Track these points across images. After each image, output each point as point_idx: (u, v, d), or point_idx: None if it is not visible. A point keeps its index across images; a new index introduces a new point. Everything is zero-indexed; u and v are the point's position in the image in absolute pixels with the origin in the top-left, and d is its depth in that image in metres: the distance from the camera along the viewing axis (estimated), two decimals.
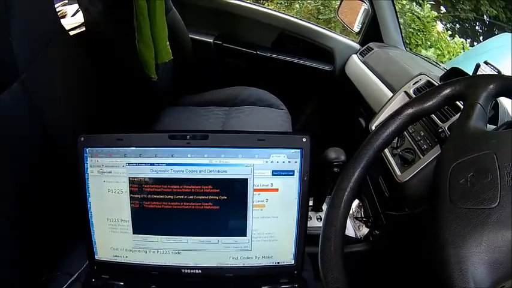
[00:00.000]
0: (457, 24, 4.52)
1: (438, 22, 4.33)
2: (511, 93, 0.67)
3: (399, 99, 1.12)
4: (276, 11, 2.07)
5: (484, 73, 0.95)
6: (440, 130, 0.88)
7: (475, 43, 4.21)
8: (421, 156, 0.90)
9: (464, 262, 0.42)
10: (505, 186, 0.45)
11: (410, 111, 0.64)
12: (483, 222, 0.44)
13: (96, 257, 0.78)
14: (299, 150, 0.71)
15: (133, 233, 0.75)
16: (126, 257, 0.77)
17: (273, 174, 0.71)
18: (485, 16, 4.25)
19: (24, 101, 0.81)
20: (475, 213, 0.45)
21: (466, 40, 4.19)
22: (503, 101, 0.91)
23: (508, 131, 0.55)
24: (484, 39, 4.04)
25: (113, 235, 0.76)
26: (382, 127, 0.64)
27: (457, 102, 0.84)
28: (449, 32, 4.24)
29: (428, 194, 0.57)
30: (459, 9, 4.35)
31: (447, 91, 0.63)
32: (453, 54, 3.89)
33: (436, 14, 4.18)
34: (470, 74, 1.01)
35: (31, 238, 0.84)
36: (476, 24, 4.49)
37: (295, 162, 0.71)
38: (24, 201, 0.80)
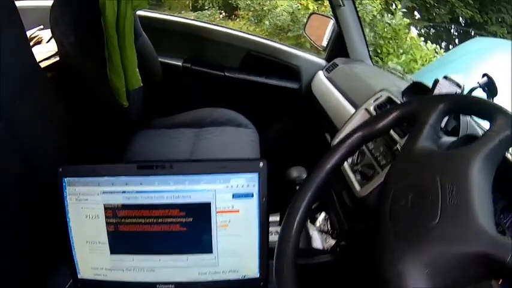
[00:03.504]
0: (432, 29, 4.56)
1: (412, 28, 4.37)
2: (462, 111, 0.71)
3: (360, 116, 1.15)
4: (242, 32, 2.12)
5: (442, 89, 0.97)
6: (395, 148, 0.94)
7: (451, 46, 4.25)
8: (380, 172, 0.94)
9: (403, 276, 0.45)
10: (446, 205, 0.47)
11: (360, 133, 0.67)
12: (422, 238, 0.46)
13: (79, 276, 0.83)
14: (256, 174, 0.77)
15: (111, 253, 0.81)
16: (106, 275, 0.82)
17: (233, 197, 0.77)
18: (460, 18, 4.28)
19: (7, 139, 0.87)
20: (414, 230, 0.48)
21: (441, 44, 4.21)
22: None
23: (454, 152, 0.59)
24: (460, 42, 4.08)
25: (92, 256, 0.82)
26: (334, 149, 0.68)
27: None
28: (422, 38, 4.27)
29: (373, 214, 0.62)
30: (434, 14, 4.38)
31: (397, 113, 0.66)
32: (426, 60, 3.94)
33: (408, 21, 4.21)
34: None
35: (17, 261, 0.89)
36: (451, 27, 4.53)
37: (253, 185, 0.77)
38: (9, 229, 0.86)
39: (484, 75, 0.95)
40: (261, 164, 0.77)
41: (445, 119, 0.87)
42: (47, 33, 1.67)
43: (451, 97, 0.67)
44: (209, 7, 5.61)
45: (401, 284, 0.45)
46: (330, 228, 1.20)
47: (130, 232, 0.79)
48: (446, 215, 0.47)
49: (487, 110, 0.59)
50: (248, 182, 0.77)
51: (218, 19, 5.44)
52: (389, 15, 4.20)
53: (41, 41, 1.65)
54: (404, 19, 4.17)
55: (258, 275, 0.83)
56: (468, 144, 0.55)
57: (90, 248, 0.81)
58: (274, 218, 0.99)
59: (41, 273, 0.96)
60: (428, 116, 0.61)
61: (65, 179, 0.79)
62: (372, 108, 1.14)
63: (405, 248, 0.47)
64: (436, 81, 1.01)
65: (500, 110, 0.56)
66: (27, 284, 0.93)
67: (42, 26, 1.73)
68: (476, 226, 0.45)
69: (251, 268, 0.83)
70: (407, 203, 0.52)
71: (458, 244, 0.45)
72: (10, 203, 0.87)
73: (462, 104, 0.64)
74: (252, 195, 0.78)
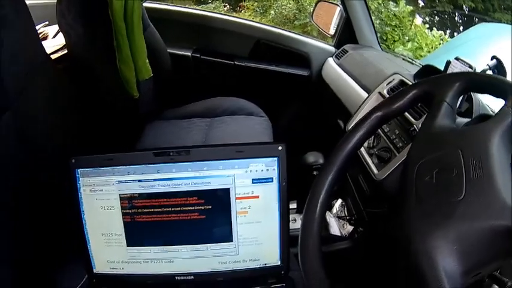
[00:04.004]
0: (436, 17, 4.57)
1: (417, 16, 4.39)
2: (477, 89, 0.70)
3: (373, 100, 1.15)
4: (250, 20, 2.12)
5: (455, 69, 0.98)
6: (412, 129, 0.93)
7: (455, 33, 4.26)
8: (397, 154, 0.94)
9: (432, 253, 0.45)
10: (470, 180, 0.48)
11: (379, 113, 0.67)
12: (449, 214, 0.46)
13: (94, 270, 0.82)
14: (276, 158, 0.75)
15: (128, 246, 0.79)
16: (123, 268, 0.81)
17: (253, 182, 0.76)
18: (464, 6, 4.29)
19: (15, 130, 0.86)
20: (440, 207, 0.48)
21: (445, 31, 4.23)
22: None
23: (473, 127, 0.58)
24: (464, 29, 4.09)
25: (108, 249, 0.80)
26: (353, 131, 0.67)
27: None
28: (427, 25, 4.28)
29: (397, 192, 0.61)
30: (437, 1, 4.39)
31: (414, 92, 0.66)
32: (432, 47, 3.93)
33: (411, 8, 4.22)
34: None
35: (30, 257, 0.88)
36: (455, 15, 4.54)
37: (273, 169, 0.76)
38: (21, 223, 0.84)
39: (493, 57, 0.96)
40: (280, 148, 0.76)
41: (460, 98, 0.87)
42: (52, 29, 1.68)
43: (467, 75, 0.66)
44: (212, 0, 5.60)
45: (430, 262, 0.45)
46: (346, 215, 1.19)
47: (148, 222, 0.77)
48: (470, 190, 0.47)
49: (501, 87, 0.59)
50: (267, 166, 0.76)
51: (223, 11, 5.43)
52: (392, 2, 4.21)
53: (47, 36, 1.65)
54: (408, 6, 4.18)
55: (279, 263, 0.82)
56: (484, 121, 0.55)
57: (105, 241, 0.80)
58: (292, 205, 0.97)
59: (55, 269, 0.94)
60: (446, 94, 0.61)
61: (78, 170, 0.77)
62: (385, 92, 1.14)
63: (433, 226, 0.47)
64: (448, 63, 1.01)
65: None
66: (41, 281, 0.91)
67: (47, 22, 1.73)
68: (500, 201, 0.45)
69: (272, 256, 0.81)
70: (432, 178, 0.52)
71: (484, 219, 0.45)
72: (18, 196, 0.86)
73: (477, 81, 0.64)
74: (272, 180, 0.76)
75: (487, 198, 0.46)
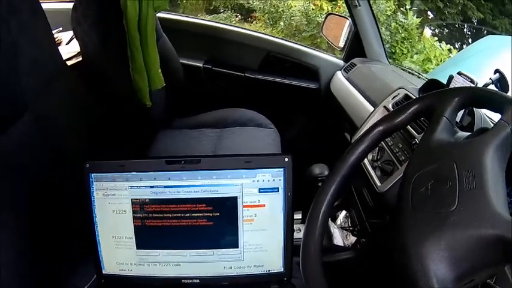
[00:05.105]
0: (445, 29, 4.57)
1: (426, 28, 4.39)
2: (476, 104, 0.72)
3: (379, 114, 1.18)
4: (261, 33, 2.15)
5: (457, 84, 1.00)
6: (414, 142, 0.95)
7: (464, 46, 4.26)
8: (399, 167, 0.96)
9: (425, 259, 0.46)
10: (463, 191, 0.50)
11: (381, 128, 0.70)
12: (442, 223, 0.48)
13: (104, 271, 0.85)
14: (282, 169, 0.78)
15: (137, 249, 0.82)
16: (131, 270, 0.84)
17: (259, 192, 0.78)
18: (473, 19, 4.30)
19: (34, 130, 0.89)
20: (434, 216, 0.50)
21: (454, 43, 4.22)
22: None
23: (468, 140, 0.60)
24: (473, 41, 4.09)
25: (118, 251, 0.83)
26: (356, 144, 0.70)
27: None
28: (436, 38, 4.27)
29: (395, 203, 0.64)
30: (446, 14, 4.40)
31: (415, 107, 0.68)
32: (440, 60, 3.93)
33: (419, 20, 4.22)
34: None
35: (41, 255, 0.90)
36: (464, 27, 4.54)
37: (279, 180, 0.78)
38: (35, 223, 0.87)
39: (496, 71, 0.97)
40: (287, 159, 0.79)
41: (461, 112, 0.89)
42: (65, 35, 1.70)
43: (466, 90, 0.69)
44: (224, 10, 5.67)
45: (423, 267, 0.46)
46: (350, 226, 1.21)
47: (158, 227, 0.80)
48: (463, 200, 0.49)
49: (498, 101, 0.61)
50: (274, 176, 0.79)
51: (234, 22, 5.52)
52: (400, 15, 4.22)
53: (61, 42, 1.68)
54: (416, 18, 4.18)
55: (282, 270, 0.84)
56: (481, 135, 0.57)
57: (116, 243, 0.83)
58: (297, 215, 1.00)
59: (65, 268, 0.97)
60: (445, 109, 0.63)
61: (92, 175, 0.80)
62: (390, 106, 1.16)
63: (425, 234, 0.49)
64: (451, 77, 1.04)
65: (510, 101, 0.58)
66: (51, 279, 0.94)
67: (61, 28, 1.76)
68: (491, 210, 0.46)
69: (276, 263, 0.84)
70: (427, 190, 0.54)
71: (475, 228, 0.46)
72: (35, 195, 0.88)
73: (476, 96, 0.65)
74: (278, 190, 0.79)
75: (478, 208, 0.47)
